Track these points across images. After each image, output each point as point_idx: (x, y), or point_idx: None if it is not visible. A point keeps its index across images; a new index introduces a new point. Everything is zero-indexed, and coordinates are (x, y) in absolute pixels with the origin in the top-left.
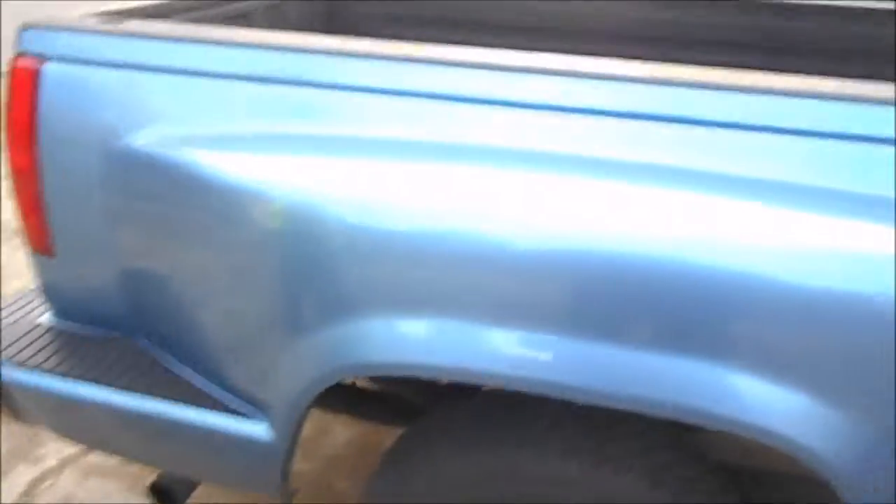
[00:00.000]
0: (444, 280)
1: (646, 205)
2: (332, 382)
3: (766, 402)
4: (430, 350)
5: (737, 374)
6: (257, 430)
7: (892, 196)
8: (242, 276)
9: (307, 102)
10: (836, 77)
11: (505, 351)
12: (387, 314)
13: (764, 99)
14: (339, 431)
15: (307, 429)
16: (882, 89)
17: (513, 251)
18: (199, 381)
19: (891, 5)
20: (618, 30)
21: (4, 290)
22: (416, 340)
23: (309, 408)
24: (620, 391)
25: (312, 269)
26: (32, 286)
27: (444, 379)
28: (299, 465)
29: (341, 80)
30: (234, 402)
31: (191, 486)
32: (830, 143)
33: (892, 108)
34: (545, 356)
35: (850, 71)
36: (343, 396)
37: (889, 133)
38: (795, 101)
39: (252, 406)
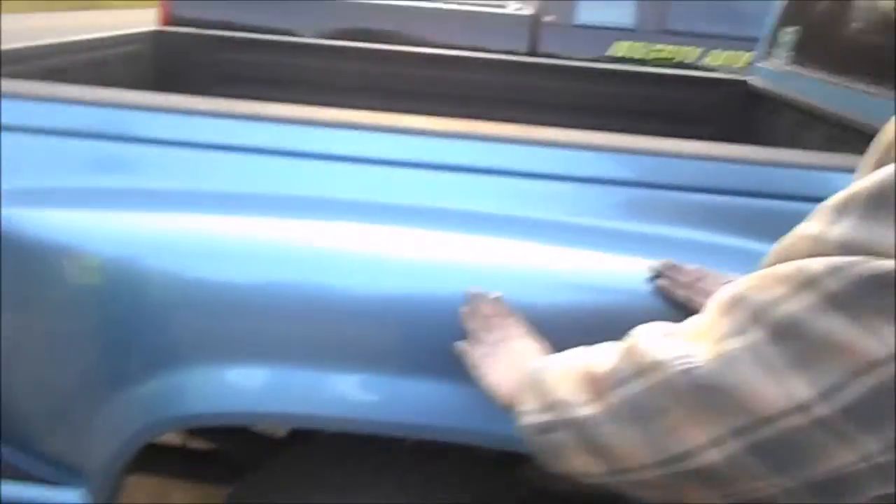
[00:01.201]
0: (266, 327)
1: (441, 245)
2: (151, 439)
3: None
4: (252, 397)
5: None
6: (72, 497)
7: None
8: (55, 335)
9: (123, 157)
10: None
11: (332, 393)
12: (209, 363)
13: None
14: (178, 498)
15: (144, 497)
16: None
17: (335, 297)
18: (8, 452)
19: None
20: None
21: None
22: (237, 388)
23: (126, 469)
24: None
25: (129, 323)
26: None
27: (266, 425)
28: None
29: (160, 134)
30: (47, 472)
31: None
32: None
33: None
34: (370, 395)
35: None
36: (176, 459)
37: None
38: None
39: (68, 473)
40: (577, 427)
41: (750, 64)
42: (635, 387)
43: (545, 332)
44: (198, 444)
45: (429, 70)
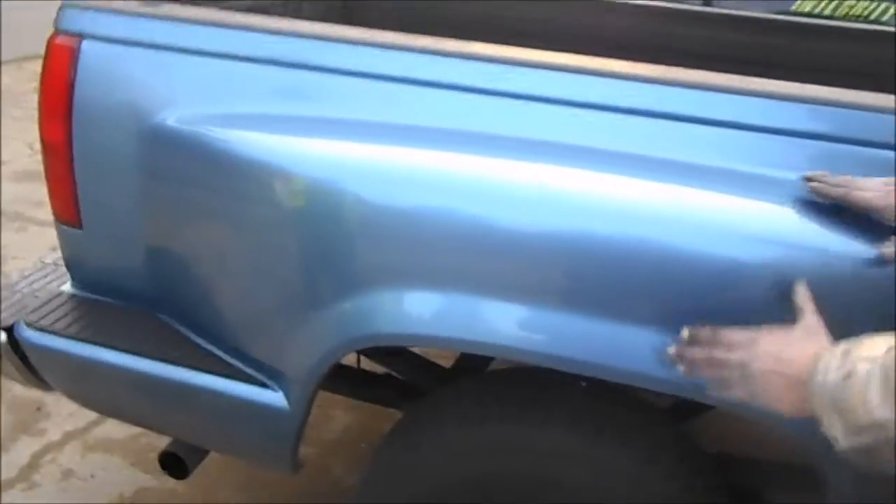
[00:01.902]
0: (450, 256)
1: (605, 190)
2: (346, 353)
3: None
4: (437, 322)
5: None
6: (273, 399)
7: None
8: (263, 252)
9: (327, 87)
10: None
11: (507, 323)
12: (396, 287)
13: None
14: (339, 417)
15: None
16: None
17: (511, 230)
18: (218, 352)
19: None
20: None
21: (4, 269)
22: (423, 313)
23: (323, 380)
24: (616, 364)
25: (328, 245)
26: (48, 260)
27: (450, 350)
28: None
29: (359, 67)
30: (252, 373)
31: (200, 455)
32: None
33: None
34: (546, 329)
35: None
36: (348, 379)
37: None
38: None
39: (269, 377)
40: None
41: None
42: None
43: (726, 283)
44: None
45: (607, 19)
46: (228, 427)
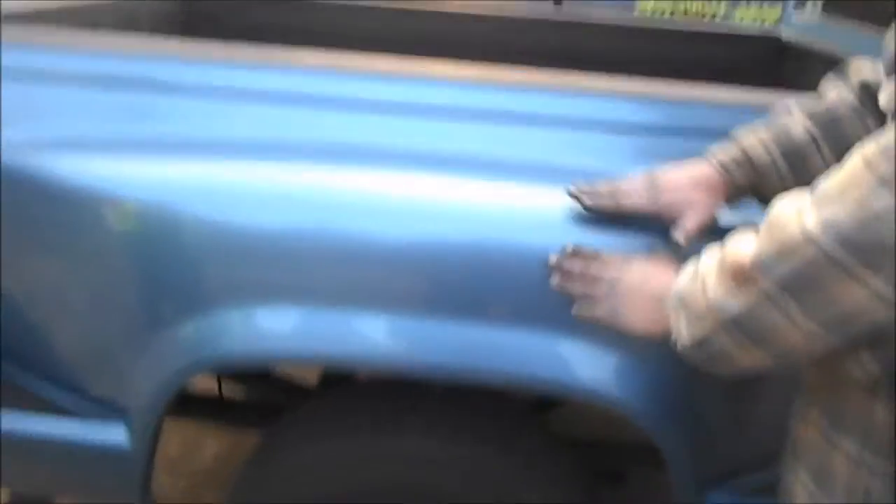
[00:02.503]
0: (300, 270)
1: (454, 194)
2: (188, 380)
3: (586, 364)
4: (282, 340)
5: (559, 340)
6: (115, 435)
7: None
8: (98, 283)
9: (157, 106)
10: None
11: (365, 336)
12: (245, 306)
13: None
14: (209, 445)
15: (176, 444)
16: None
17: (363, 240)
18: (54, 392)
19: None
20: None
21: None
22: (267, 331)
23: (169, 409)
24: (475, 366)
25: (165, 269)
26: None
27: (309, 367)
28: (167, 480)
29: (188, 82)
30: (91, 410)
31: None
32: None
33: None
34: (403, 338)
35: None
36: (209, 407)
37: None
38: None
39: (110, 413)
40: (736, 324)
41: (780, 18)
42: (786, 266)
43: None
44: (231, 392)
45: (450, 27)
46: (70, 470)
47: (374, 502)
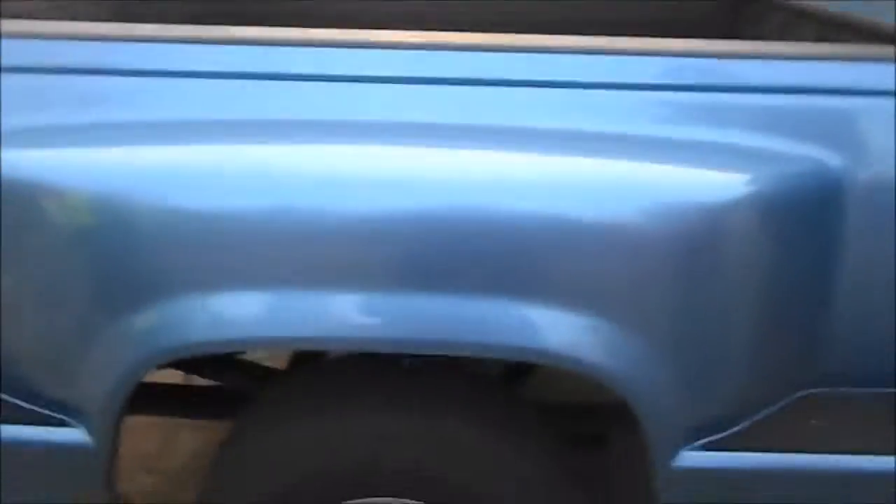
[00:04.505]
0: (262, 251)
1: (432, 162)
2: (147, 372)
3: (555, 329)
4: (253, 323)
5: (523, 307)
6: (73, 436)
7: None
8: (44, 276)
9: (98, 90)
10: None
11: (330, 314)
12: (204, 293)
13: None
14: (185, 441)
15: (151, 442)
16: None
17: (326, 217)
18: (13, 400)
19: None
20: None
21: None
22: (229, 315)
23: (127, 404)
24: (445, 338)
25: (116, 257)
26: None
27: (275, 350)
28: (142, 479)
29: (136, 65)
30: (49, 414)
31: None
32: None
33: None
34: (369, 314)
35: None
36: (179, 399)
37: None
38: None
39: (68, 414)
40: None
41: None
42: None
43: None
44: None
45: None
46: (32, 475)
47: (347, 482)
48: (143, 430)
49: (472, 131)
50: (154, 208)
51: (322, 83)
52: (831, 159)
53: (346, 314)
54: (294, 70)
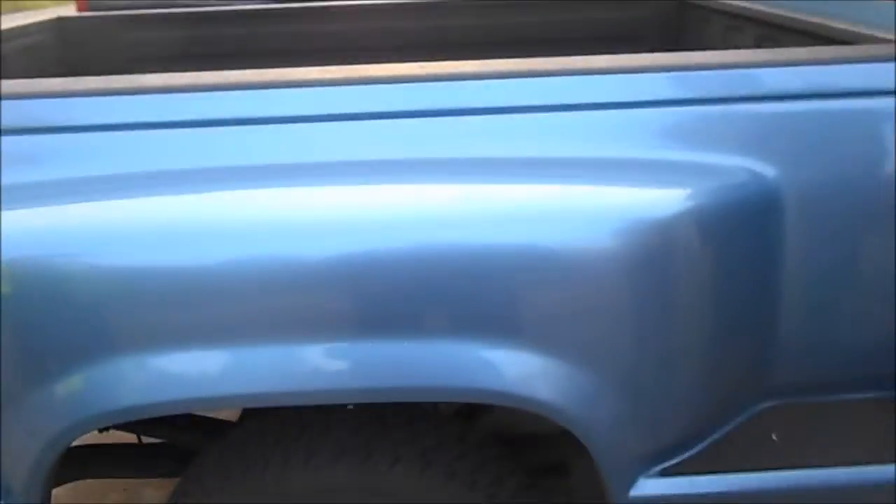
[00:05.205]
0: (199, 307)
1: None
2: (74, 439)
3: (508, 369)
4: (192, 383)
5: (483, 349)
6: None
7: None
8: None
9: (24, 149)
10: None
11: (272, 370)
12: (136, 354)
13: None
14: (148, 498)
15: (117, 497)
16: None
17: (263, 268)
18: None
19: None
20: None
21: None
22: (168, 376)
23: (53, 474)
24: (389, 384)
25: (40, 323)
26: None
27: (203, 410)
28: None
29: (62, 122)
30: None
31: None
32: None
33: None
34: (305, 367)
35: None
36: (128, 458)
37: None
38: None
39: None
40: None
41: None
42: None
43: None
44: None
45: (306, 27)
46: None
47: None
48: (107, 488)
49: (410, 167)
50: (78, 269)
51: (263, 126)
52: (765, 169)
53: (285, 369)
54: (227, 115)
